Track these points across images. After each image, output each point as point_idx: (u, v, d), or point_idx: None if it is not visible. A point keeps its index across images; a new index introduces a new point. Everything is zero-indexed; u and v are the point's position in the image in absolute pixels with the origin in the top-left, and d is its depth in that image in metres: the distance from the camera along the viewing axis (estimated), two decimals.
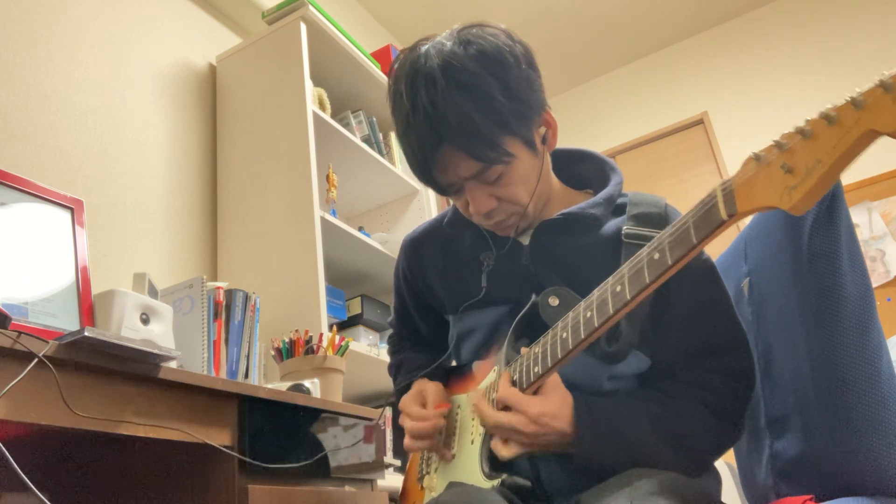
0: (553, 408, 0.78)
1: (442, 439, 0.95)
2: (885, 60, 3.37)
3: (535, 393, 0.81)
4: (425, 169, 0.87)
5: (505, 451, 0.79)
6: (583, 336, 0.74)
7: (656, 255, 0.69)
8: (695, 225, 0.65)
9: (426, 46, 0.86)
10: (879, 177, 3.22)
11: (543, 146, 0.91)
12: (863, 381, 0.70)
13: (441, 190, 0.90)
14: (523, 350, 0.85)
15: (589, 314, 0.75)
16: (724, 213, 0.62)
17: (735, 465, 1.08)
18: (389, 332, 1.24)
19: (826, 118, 0.53)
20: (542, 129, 0.90)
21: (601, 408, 0.80)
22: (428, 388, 0.98)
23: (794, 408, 0.82)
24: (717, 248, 1.16)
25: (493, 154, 0.83)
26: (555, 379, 0.81)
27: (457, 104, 0.81)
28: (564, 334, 0.77)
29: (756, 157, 0.59)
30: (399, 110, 0.87)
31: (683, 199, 3.67)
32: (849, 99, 0.52)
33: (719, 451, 0.86)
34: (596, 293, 0.76)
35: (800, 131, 0.55)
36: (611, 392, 0.86)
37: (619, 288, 0.72)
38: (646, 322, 0.84)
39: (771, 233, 0.87)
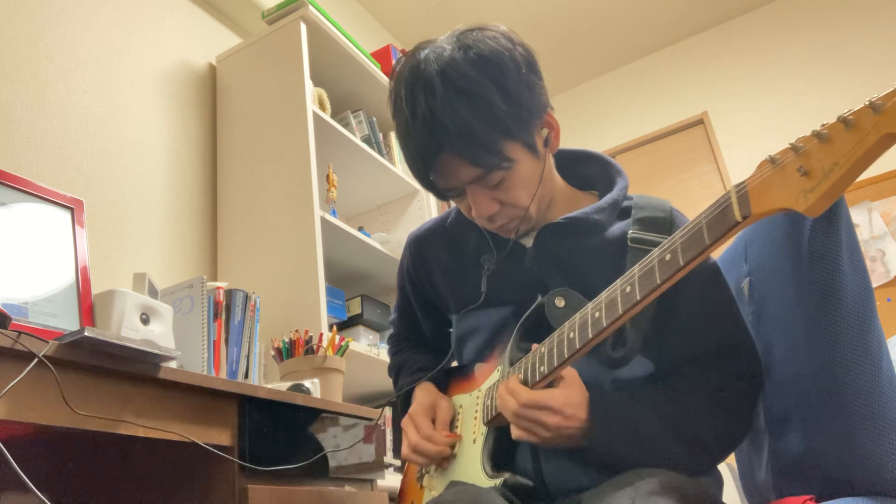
0: (575, 399, 0.78)
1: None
2: (885, 60, 3.37)
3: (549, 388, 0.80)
4: (425, 174, 0.88)
5: (529, 437, 0.78)
6: (590, 336, 0.74)
7: (668, 256, 0.68)
8: (708, 226, 0.65)
9: (426, 51, 0.86)
10: (879, 177, 3.22)
11: (545, 148, 0.90)
12: (863, 381, 0.69)
13: (441, 195, 0.91)
14: (534, 346, 0.84)
15: (598, 314, 0.74)
16: (738, 215, 0.62)
17: (735, 465, 1.08)
18: (389, 331, 1.24)
19: (843, 122, 0.53)
20: (545, 132, 0.90)
21: (614, 401, 0.80)
22: (442, 405, 0.97)
23: (795, 408, 0.82)
24: (717, 249, 1.16)
25: (493, 160, 0.83)
26: (572, 372, 0.81)
27: (455, 111, 0.81)
28: (572, 334, 0.77)
29: (772, 160, 0.59)
30: (399, 116, 0.88)
31: (683, 199, 3.67)
32: (867, 103, 0.52)
33: (728, 448, 0.85)
34: (604, 294, 0.76)
35: (816, 135, 0.55)
36: (622, 387, 0.86)
37: (628, 289, 0.72)
38: (649, 327, 0.83)
39: (771, 233, 0.86)
